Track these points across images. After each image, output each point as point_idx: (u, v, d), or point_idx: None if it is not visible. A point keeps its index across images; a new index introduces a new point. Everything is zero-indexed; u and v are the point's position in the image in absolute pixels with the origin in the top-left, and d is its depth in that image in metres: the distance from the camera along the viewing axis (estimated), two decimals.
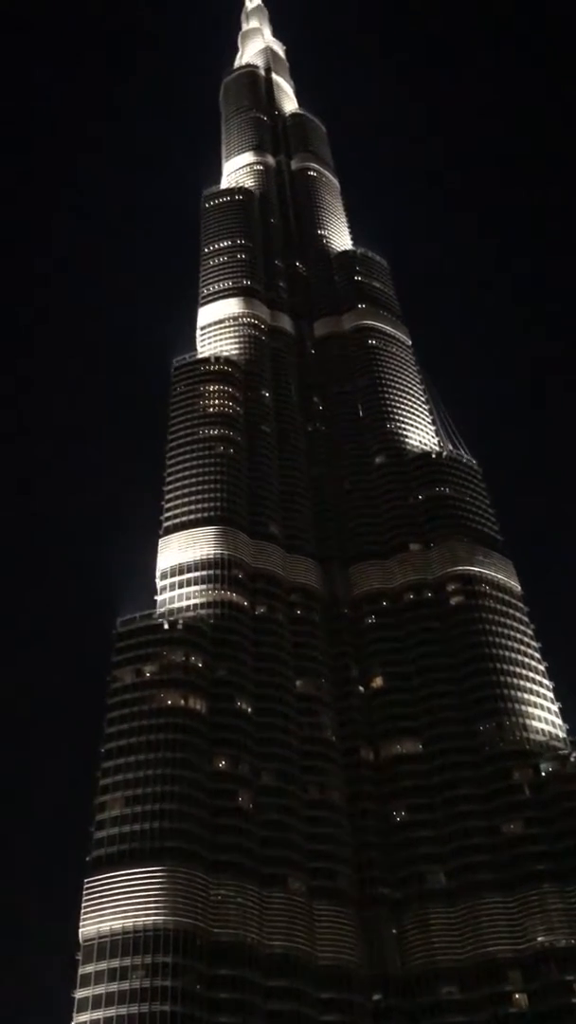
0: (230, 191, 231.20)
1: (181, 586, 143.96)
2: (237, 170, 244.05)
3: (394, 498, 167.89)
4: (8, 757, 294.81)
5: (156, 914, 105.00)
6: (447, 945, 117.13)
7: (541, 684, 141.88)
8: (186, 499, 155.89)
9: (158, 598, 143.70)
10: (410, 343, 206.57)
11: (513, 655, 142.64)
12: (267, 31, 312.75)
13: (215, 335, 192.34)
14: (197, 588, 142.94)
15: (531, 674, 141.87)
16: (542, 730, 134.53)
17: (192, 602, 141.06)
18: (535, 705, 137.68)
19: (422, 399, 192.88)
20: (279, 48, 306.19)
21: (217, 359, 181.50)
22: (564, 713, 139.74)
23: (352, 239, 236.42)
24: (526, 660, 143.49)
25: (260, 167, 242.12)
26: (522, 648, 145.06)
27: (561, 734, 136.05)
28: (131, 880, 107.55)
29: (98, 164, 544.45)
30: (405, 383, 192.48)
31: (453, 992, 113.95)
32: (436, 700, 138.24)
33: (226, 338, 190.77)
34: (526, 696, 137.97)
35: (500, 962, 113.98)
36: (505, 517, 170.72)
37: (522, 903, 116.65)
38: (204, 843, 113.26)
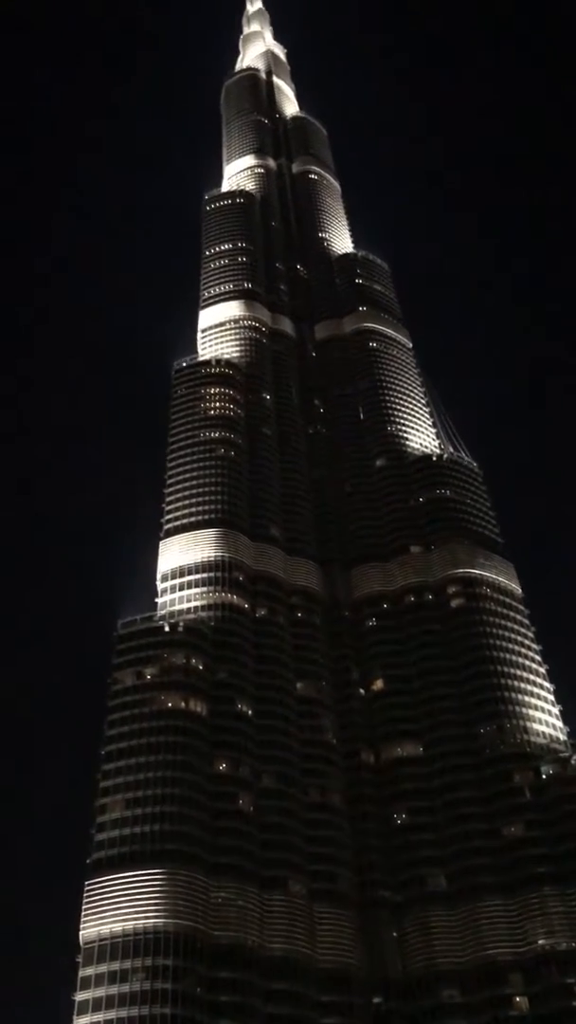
0: (231, 194, 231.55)
1: (182, 588, 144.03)
2: (238, 173, 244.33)
3: (395, 500, 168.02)
4: (8, 757, 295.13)
5: (156, 917, 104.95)
6: (448, 948, 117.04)
7: (542, 687, 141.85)
8: (187, 501, 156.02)
9: (159, 600, 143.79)
10: (411, 345, 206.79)
11: (514, 657, 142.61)
12: (268, 34, 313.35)
13: (216, 338, 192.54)
14: (198, 590, 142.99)
15: (532, 676, 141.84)
16: (543, 733, 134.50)
17: (193, 604, 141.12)
18: (536, 708, 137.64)
19: (423, 402, 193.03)
20: (280, 51, 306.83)
21: (218, 362, 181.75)
22: (565, 716, 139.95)
23: (353, 241, 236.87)
24: (527, 663, 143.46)
25: (261, 170, 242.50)
26: (523, 651, 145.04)
27: (562, 736, 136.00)
28: (131, 882, 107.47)
29: (98, 164, 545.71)
30: (406, 386, 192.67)
31: (454, 995, 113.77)
32: (437, 703, 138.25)
33: (227, 341, 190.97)
34: (527, 699, 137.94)
35: (501, 965, 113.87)
36: (506, 519, 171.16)
37: (523, 906, 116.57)
38: (204, 845, 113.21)
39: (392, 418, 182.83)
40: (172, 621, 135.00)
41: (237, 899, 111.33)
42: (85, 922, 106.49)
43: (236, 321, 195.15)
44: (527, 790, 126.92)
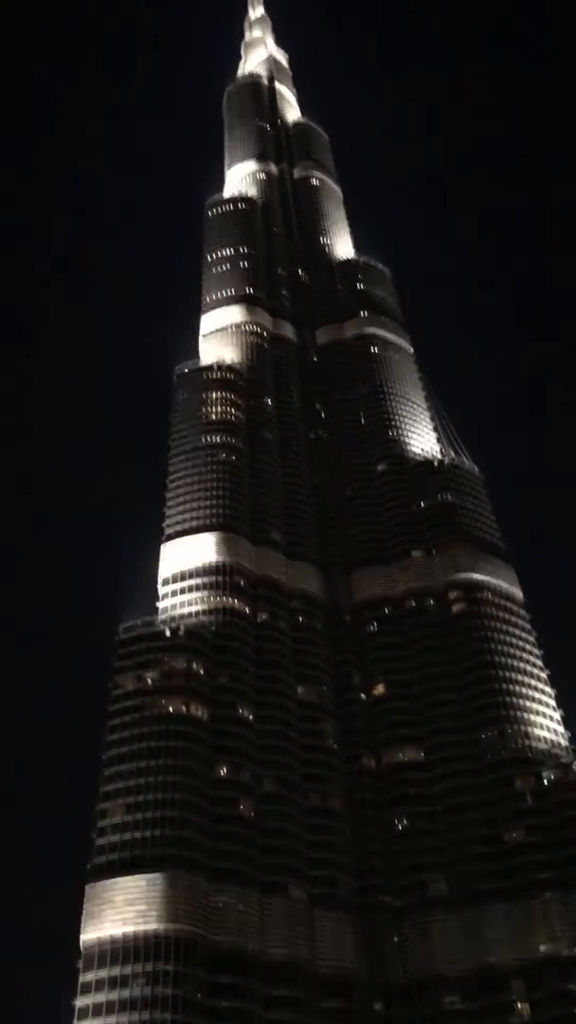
0: (233, 200, 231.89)
1: (183, 592, 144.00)
2: (240, 178, 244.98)
3: (396, 505, 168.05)
4: (8, 758, 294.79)
5: (157, 921, 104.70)
6: (449, 954, 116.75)
7: (543, 692, 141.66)
8: (188, 505, 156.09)
9: (160, 604, 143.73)
10: (412, 350, 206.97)
11: (515, 662, 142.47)
12: (270, 40, 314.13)
13: (218, 342, 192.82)
14: (199, 595, 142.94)
15: (533, 681, 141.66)
16: (544, 738, 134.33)
17: (194, 609, 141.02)
18: (537, 713, 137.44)
19: (424, 406, 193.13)
20: (282, 57, 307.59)
21: (220, 366, 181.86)
22: (566, 721, 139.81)
23: (354, 246, 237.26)
24: (528, 667, 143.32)
25: (263, 176, 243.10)
26: (524, 655, 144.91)
27: (563, 742, 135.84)
28: (132, 887, 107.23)
29: (98, 164, 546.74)
30: (407, 390, 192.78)
31: (455, 1001, 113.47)
32: (438, 708, 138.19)
33: (228, 345, 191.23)
34: (528, 704, 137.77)
35: (502, 971, 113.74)
36: (507, 524, 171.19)
37: (524, 911, 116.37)
38: (205, 850, 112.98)
39: (393, 423, 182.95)
40: (173, 625, 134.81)
41: (238, 904, 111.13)
42: (85, 927, 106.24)
43: (238, 326, 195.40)
44: (528, 795, 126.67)
